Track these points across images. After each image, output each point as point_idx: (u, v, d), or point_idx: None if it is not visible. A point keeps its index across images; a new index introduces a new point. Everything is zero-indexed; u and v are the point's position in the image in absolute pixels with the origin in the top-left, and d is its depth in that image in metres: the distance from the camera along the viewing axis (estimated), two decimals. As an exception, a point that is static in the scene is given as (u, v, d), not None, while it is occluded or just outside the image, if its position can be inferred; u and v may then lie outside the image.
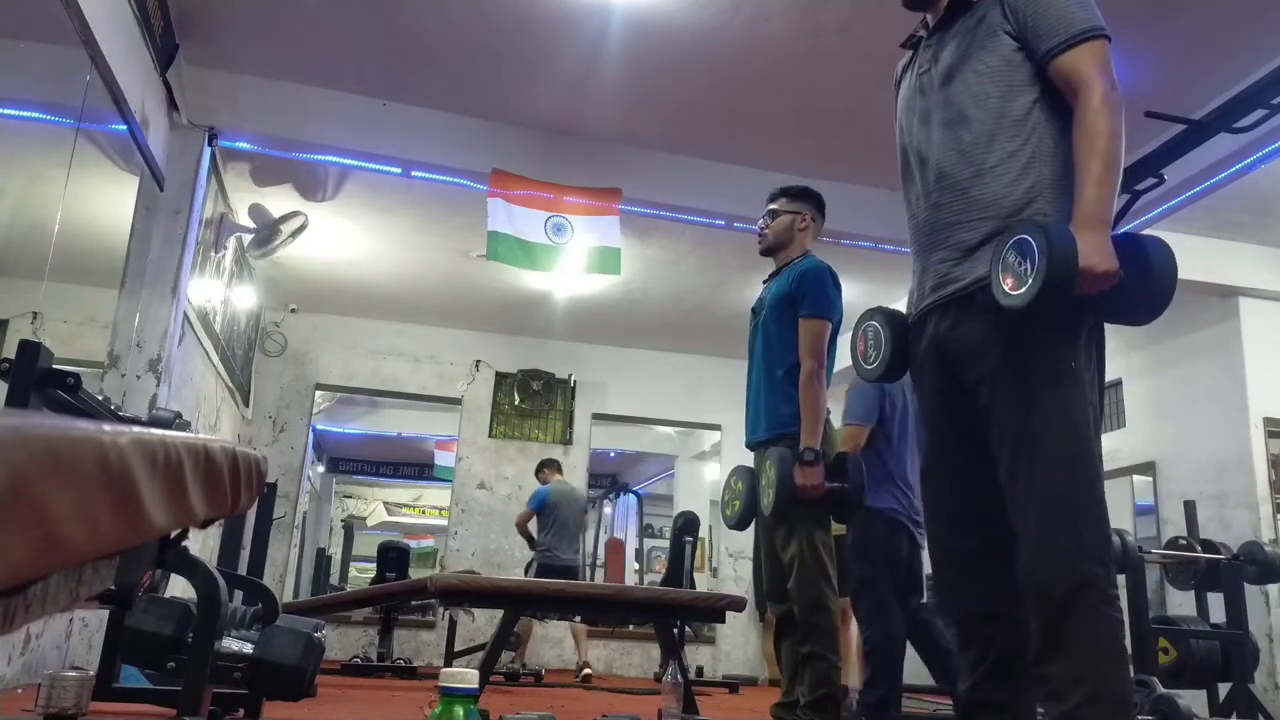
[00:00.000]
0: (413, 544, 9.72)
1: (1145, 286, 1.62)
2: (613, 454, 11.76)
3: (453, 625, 6.14)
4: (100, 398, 1.72)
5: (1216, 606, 4.30)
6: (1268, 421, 5.28)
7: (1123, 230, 1.64)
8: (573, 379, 7.89)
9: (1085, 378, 1.64)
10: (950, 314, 1.76)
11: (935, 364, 1.82)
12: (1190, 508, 4.65)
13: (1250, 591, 4.34)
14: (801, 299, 2.79)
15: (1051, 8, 1.71)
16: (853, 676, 4.35)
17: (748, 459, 3.02)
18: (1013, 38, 1.75)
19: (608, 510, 12.36)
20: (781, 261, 2.97)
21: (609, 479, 12.21)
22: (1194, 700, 3.59)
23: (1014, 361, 1.65)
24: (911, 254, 1.91)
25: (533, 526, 6.62)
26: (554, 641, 7.34)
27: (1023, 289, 1.55)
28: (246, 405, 6.86)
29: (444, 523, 9.09)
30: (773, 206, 2.99)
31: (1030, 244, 1.55)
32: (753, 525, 3.04)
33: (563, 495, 6.62)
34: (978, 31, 1.79)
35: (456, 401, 7.81)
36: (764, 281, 3.05)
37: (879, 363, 1.95)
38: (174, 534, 1.58)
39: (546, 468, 6.89)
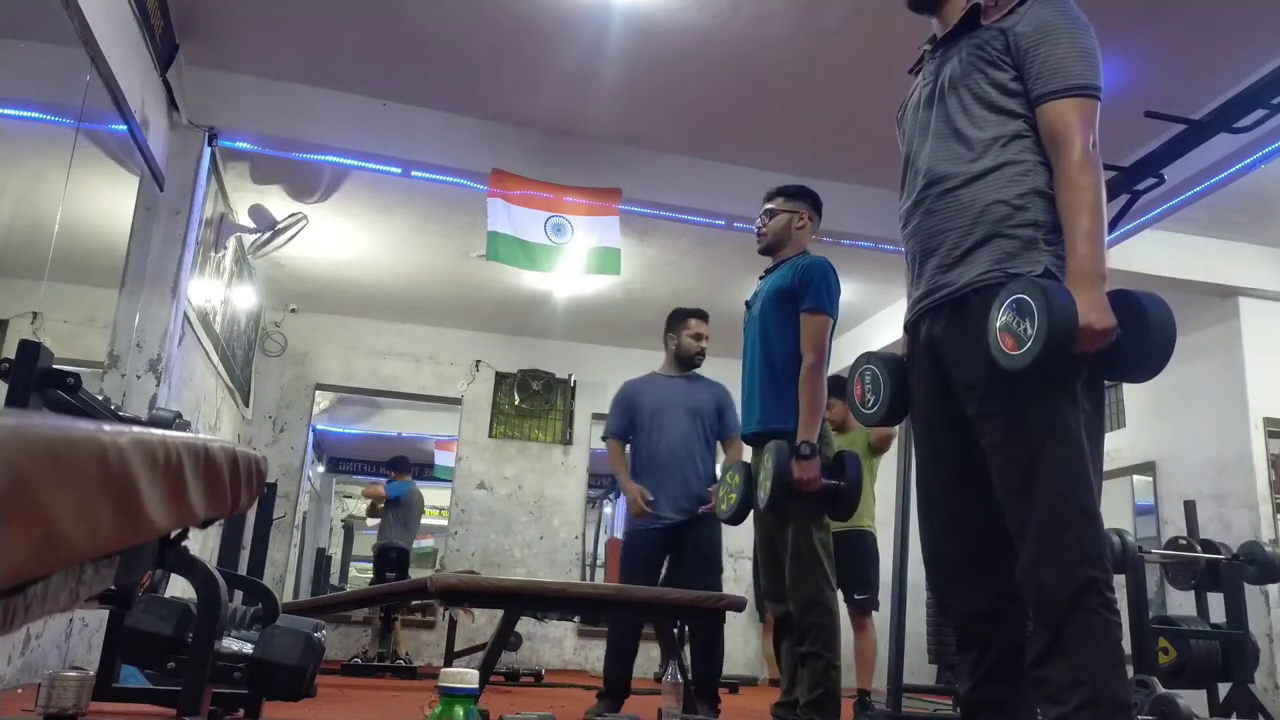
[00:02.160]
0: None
1: (1144, 344, 1.61)
2: (613, 454, 11.73)
3: (453, 625, 6.14)
4: (100, 398, 1.71)
5: (1216, 606, 4.30)
6: (1268, 421, 5.28)
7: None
8: (573, 379, 7.89)
9: (1077, 381, 1.65)
10: (943, 317, 1.77)
11: (928, 366, 1.83)
12: (1190, 508, 4.65)
13: (1250, 591, 4.34)
14: (804, 293, 2.80)
15: (1054, 54, 1.71)
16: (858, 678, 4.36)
17: (747, 458, 3.02)
18: (1012, 68, 1.76)
19: (608, 510, 12.36)
20: (779, 260, 2.98)
21: (609, 479, 12.20)
22: (1194, 700, 3.59)
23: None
24: (906, 261, 1.92)
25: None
26: (554, 641, 7.34)
27: (1022, 350, 1.55)
28: (246, 405, 6.86)
29: (444, 523, 9.08)
30: (770, 206, 3.00)
31: (1029, 304, 1.55)
32: (751, 526, 3.04)
33: (415, 495, 7.55)
34: (979, 54, 1.79)
35: (456, 401, 7.81)
36: (760, 277, 3.06)
37: (878, 407, 1.96)
38: (174, 534, 1.58)
39: (399, 467, 7.68)
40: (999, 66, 1.77)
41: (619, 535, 11.25)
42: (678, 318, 4.11)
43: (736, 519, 2.98)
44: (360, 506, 14.99)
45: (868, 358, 2.02)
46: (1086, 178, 1.64)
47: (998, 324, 1.60)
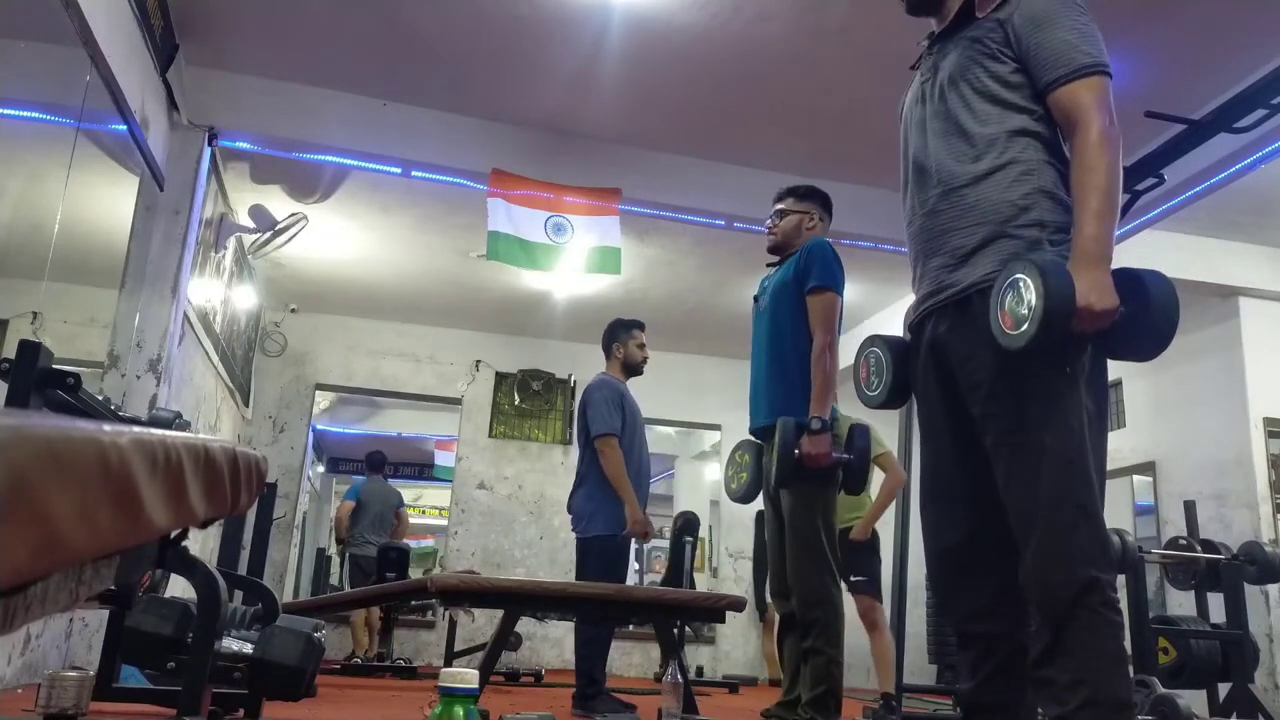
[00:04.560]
0: (413, 544, 9.71)
1: (1146, 322, 1.61)
2: (613, 454, 11.71)
3: (453, 625, 6.14)
4: (100, 398, 1.72)
5: (1216, 606, 4.30)
6: (1268, 421, 5.28)
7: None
8: (573, 379, 7.89)
9: (1081, 379, 1.64)
10: (947, 317, 1.77)
11: (932, 366, 1.83)
12: (1190, 508, 4.65)
13: (1250, 591, 4.34)
14: (808, 274, 2.81)
15: (1055, 39, 1.70)
16: (879, 680, 4.33)
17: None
18: (1012, 60, 1.75)
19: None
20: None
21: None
22: (1194, 700, 3.59)
23: (1008, 365, 1.66)
24: (910, 261, 1.92)
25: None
26: (554, 641, 7.34)
27: (1021, 329, 1.55)
28: (246, 405, 6.86)
29: (444, 523, 9.09)
30: (780, 206, 3.00)
31: (1028, 283, 1.55)
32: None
33: (368, 494, 7.31)
34: (977, 48, 1.79)
35: (456, 401, 7.81)
36: (769, 264, 3.06)
37: (881, 389, 1.97)
38: (174, 534, 1.58)
39: (369, 463, 7.62)
40: (998, 59, 1.76)
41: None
42: (625, 327, 4.23)
43: (746, 498, 2.98)
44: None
45: (872, 340, 2.03)
46: (1100, 158, 1.63)
47: (999, 304, 1.60)
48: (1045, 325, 1.51)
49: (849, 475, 2.76)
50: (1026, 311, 1.54)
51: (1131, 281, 1.62)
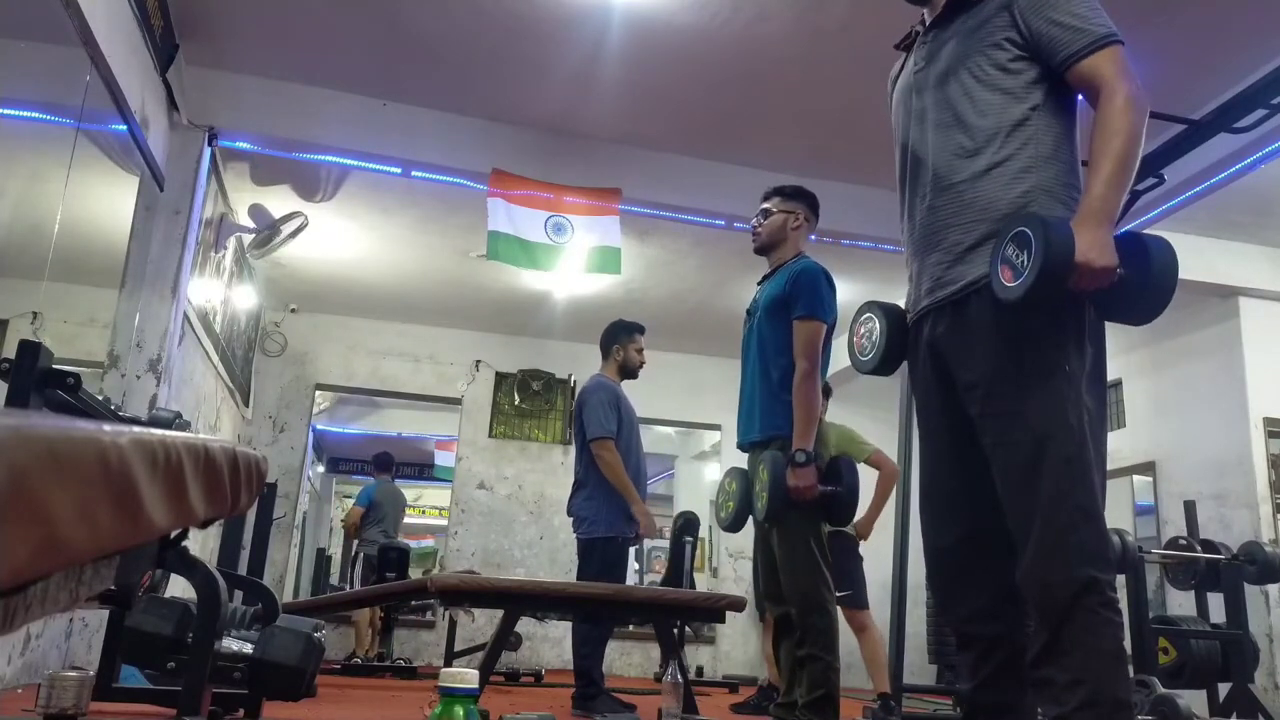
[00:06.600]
0: (413, 544, 9.71)
1: (1145, 285, 1.61)
2: (613, 454, 11.70)
3: (453, 625, 6.14)
4: (100, 398, 1.72)
5: (1216, 606, 4.31)
6: (1268, 421, 5.28)
7: (1122, 232, 1.64)
8: (573, 379, 7.89)
9: (1079, 379, 1.64)
10: (945, 317, 1.76)
11: (930, 367, 1.82)
12: (1190, 508, 4.65)
13: (1250, 591, 4.34)
14: (796, 300, 2.79)
15: (1066, 16, 1.69)
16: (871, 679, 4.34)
17: (746, 459, 3.01)
18: (1018, 46, 1.73)
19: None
20: (775, 262, 2.97)
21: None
22: (1194, 700, 3.59)
23: (1007, 365, 1.65)
24: (907, 256, 1.90)
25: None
26: (554, 641, 7.34)
27: (1018, 280, 1.55)
28: (246, 405, 6.86)
29: (444, 523, 9.08)
30: (766, 206, 2.99)
31: (1029, 235, 1.54)
32: (752, 527, 3.04)
33: (382, 495, 7.35)
34: (978, 35, 1.77)
35: (456, 401, 7.81)
36: (758, 283, 3.05)
37: (874, 355, 1.96)
38: (174, 534, 1.58)
39: (378, 464, 7.62)
40: (1001, 46, 1.74)
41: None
42: (627, 331, 4.24)
43: (735, 526, 2.97)
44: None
45: (869, 306, 2.01)
46: (1123, 121, 1.61)
47: (1000, 258, 1.59)
48: (1041, 276, 1.50)
49: (836, 507, 2.75)
50: (1025, 262, 1.53)
51: (1133, 244, 1.62)
